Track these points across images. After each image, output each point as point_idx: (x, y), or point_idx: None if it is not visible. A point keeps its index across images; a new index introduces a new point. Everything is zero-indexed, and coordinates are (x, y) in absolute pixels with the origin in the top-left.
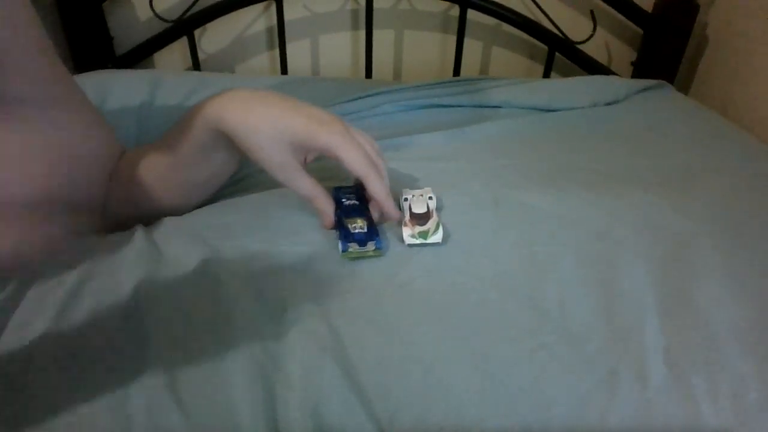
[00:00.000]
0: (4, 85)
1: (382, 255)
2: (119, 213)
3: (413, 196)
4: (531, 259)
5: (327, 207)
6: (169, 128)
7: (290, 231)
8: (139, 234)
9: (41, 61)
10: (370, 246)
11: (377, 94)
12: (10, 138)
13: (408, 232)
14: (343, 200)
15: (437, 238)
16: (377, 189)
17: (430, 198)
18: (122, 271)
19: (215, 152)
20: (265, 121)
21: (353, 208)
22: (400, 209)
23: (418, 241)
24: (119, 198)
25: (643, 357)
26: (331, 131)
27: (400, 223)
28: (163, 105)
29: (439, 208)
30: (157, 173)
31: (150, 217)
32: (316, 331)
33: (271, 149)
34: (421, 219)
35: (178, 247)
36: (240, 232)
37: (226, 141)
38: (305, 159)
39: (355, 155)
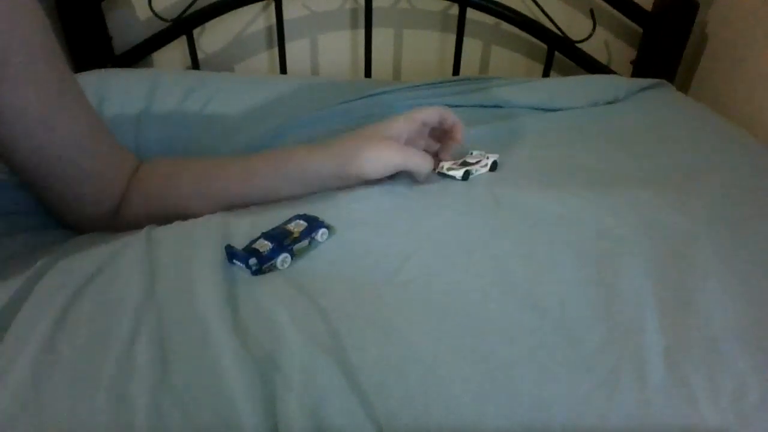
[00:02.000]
0: (16, 93)
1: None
2: (135, 219)
3: (474, 153)
4: (531, 258)
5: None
6: (247, 158)
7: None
8: (144, 236)
9: (46, 68)
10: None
11: (377, 94)
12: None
13: (444, 165)
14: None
15: (456, 174)
16: (452, 117)
17: (487, 158)
18: (123, 274)
19: (307, 187)
20: (373, 150)
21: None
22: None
23: (444, 171)
24: (140, 206)
25: (643, 357)
26: (401, 116)
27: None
28: (162, 104)
29: (438, 208)
30: (214, 192)
31: (168, 221)
32: (315, 331)
33: (388, 162)
34: (463, 165)
35: None
36: (242, 233)
37: (331, 180)
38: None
39: (428, 109)
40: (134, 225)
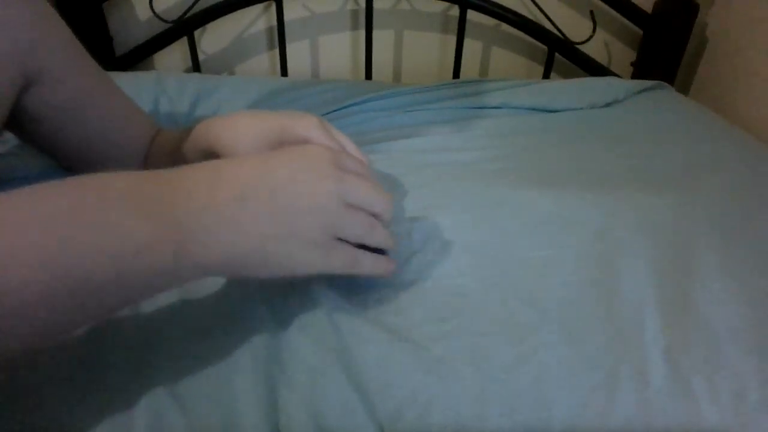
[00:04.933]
0: (54, 94)
1: None
2: None
3: None
4: (531, 259)
5: None
6: (182, 134)
7: None
8: None
9: (80, 58)
10: None
11: (377, 99)
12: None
13: None
14: None
15: None
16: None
17: None
18: None
19: None
20: (245, 128)
21: None
22: None
23: None
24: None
25: (643, 357)
26: (308, 124)
27: None
28: (167, 109)
29: (439, 209)
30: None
31: None
32: (318, 331)
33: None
34: None
35: None
36: None
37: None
38: None
39: (329, 147)
40: None
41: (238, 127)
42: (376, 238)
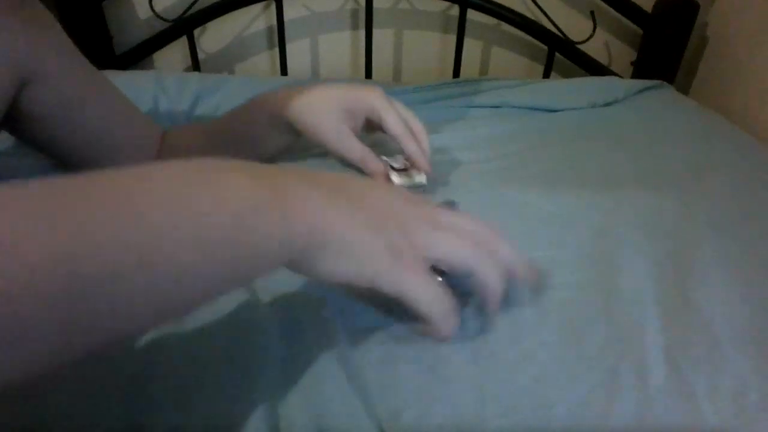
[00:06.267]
0: (50, 93)
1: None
2: None
3: (387, 158)
4: (531, 259)
5: (377, 168)
6: (228, 114)
7: None
8: None
9: (75, 60)
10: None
11: None
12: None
13: (395, 178)
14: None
15: (422, 179)
16: (410, 147)
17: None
18: None
19: (271, 138)
20: (319, 95)
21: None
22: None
23: (406, 183)
24: None
25: (644, 356)
26: (375, 93)
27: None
28: (167, 108)
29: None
30: (210, 151)
31: None
32: (319, 331)
33: (325, 118)
34: (401, 171)
35: None
36: None
37: (284, 126)
38: (355, 128)
39: (394, 116)
40: None
41: (313, 109)
42: (496, 263)
